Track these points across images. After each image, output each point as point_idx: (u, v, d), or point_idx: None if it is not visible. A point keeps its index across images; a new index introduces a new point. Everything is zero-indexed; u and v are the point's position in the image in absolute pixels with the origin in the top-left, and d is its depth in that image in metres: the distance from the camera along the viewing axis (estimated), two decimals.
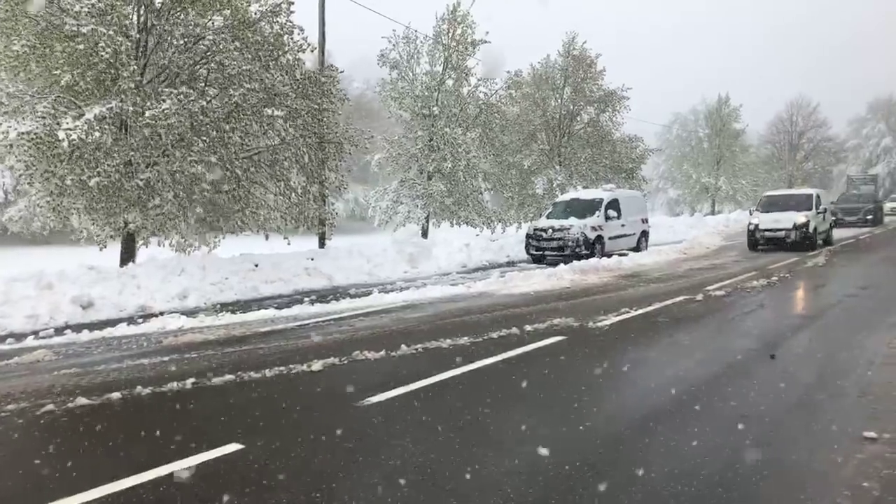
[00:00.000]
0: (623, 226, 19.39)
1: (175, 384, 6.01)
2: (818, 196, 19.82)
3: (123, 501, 3.70)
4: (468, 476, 3.93)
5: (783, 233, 18.57)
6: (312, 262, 14.73)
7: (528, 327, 8.32)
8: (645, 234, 20.91)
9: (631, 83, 27.16)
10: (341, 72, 15.61)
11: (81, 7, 10.87)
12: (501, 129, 23.66)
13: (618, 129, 28.29)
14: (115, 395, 5.70)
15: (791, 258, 16.72)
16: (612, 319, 8.94)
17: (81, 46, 10.92)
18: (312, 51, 13.86)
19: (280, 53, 13.31)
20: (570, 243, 17.75)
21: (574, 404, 5.29)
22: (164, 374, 6.49)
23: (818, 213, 19.17)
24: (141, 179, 12.12)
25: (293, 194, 15.02)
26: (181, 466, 4.10)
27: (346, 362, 6.79)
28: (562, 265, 15.17)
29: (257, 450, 4.42)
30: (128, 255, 13.87)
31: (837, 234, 23.72)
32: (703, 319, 9.06)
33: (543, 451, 4.22)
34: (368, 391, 5.65)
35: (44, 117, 11.04)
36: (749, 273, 13.87)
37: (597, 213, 18.51)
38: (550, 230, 18.20)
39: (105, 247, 12.67)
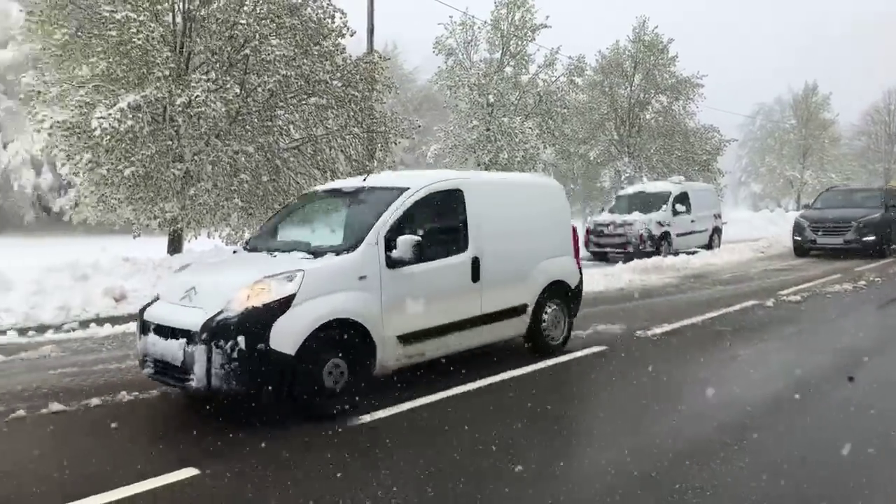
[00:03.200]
0: (693, 221, 17.81)
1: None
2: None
3: None
4: None
5: None
6: None
7: None
8: (717, 230, 19.13)
9: (712, 73, 25.50)
10: (387, 59, 14.97)
11: None
12: (563, 119, 22.45)
13: (691, 119, 26.61)
14: None
15: None
16: (666, 328, 7.93)
17: (114, 33, 10.71)
18: (352, 35, 13.28)
19: (321, 38, 12.79)
20: (632, 240, 16.45)
21: (597, 441, 4.43)
22: None
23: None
24: (178, 169, 11.86)
25: None
26: None
27: None
28: (620, 264, 14.13)
29: None
30: (174, 247, 13.72)
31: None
32: (770, 330, 7.91)
33: None
34: None
35: (80, 106, 10.91)
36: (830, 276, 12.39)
37: (663, 207, 17.10)
38: (612, 225, 17.00)
39: (139, 235, 12.54)
